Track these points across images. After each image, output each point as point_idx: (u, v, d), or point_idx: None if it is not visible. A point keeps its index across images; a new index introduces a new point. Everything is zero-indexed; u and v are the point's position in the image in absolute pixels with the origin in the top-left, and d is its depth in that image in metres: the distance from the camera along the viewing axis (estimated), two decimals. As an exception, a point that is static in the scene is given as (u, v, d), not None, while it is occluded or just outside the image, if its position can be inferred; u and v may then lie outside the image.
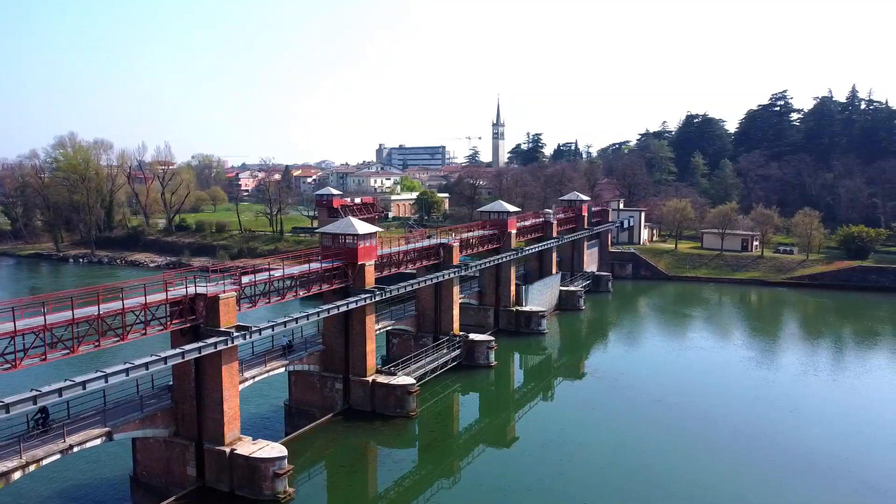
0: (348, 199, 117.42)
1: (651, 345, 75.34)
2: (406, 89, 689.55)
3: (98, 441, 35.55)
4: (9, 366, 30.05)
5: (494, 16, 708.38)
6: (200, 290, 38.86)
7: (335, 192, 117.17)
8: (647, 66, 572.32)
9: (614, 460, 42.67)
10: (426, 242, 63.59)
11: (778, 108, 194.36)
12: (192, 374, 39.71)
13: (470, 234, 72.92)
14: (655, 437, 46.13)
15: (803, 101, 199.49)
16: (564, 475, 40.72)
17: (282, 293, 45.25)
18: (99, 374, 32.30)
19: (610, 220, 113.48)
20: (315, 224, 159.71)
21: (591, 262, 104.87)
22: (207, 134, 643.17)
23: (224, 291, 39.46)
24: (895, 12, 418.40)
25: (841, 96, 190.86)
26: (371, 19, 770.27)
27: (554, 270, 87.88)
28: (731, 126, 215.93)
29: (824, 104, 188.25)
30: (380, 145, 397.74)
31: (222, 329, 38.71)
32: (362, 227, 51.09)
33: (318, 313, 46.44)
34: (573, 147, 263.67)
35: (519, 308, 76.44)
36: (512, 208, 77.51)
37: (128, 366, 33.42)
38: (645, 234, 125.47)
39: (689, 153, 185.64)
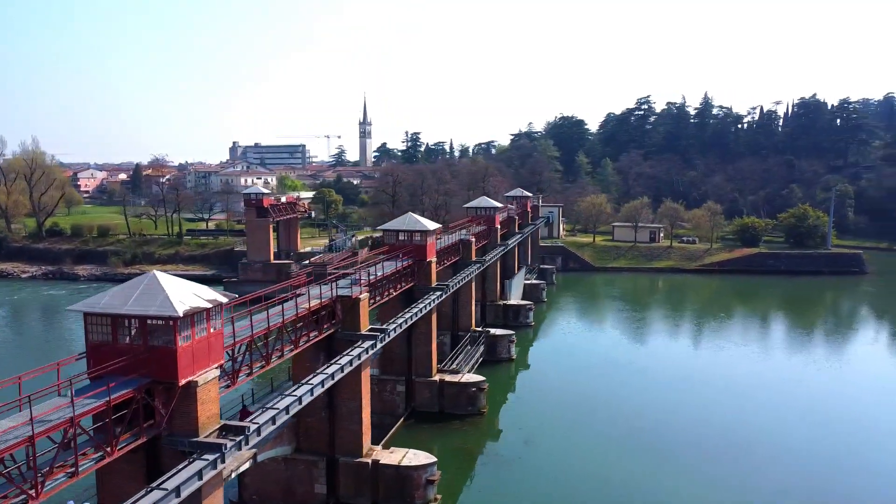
0: (273, 199, 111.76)
1: (633, 330, 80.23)
2: (260, 86, 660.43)
3: (247, 465, 31.87)
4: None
5: (357, 13, 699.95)
6: (343, 292, 36.08)
7: (264, 190, 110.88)
8: (508, 70, 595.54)
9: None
10: (448, 239, 62.73)
11: (642, 112, 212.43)
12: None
13: (469, 230, 72.76)
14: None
15: (662, 107, 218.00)
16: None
17: (381, 292, 43.00)
18: (289, 397, 29.02)
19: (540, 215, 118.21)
20: (208, 226, 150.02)
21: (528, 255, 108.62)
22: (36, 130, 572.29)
23: (361, 293, 36.92)
24: (741, 26, 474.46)
25: (695, 102, 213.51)
26: (226, 11, 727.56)
27: (517, 266, 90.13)
28: (593, 127, 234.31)
29: (681, 109, 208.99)
30: (233, 143, 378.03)
31: (364, 332, 36.24)
32: (429, 223, 49.76)
33: (415, 314, 44.51)
34: (447, 146, 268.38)
35: (506, 302, 77.71)
36: (497, 203, 78.56)
37: (309, 386, 30.39)
38: (560, 228, 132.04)
39: (563, 152, 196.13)
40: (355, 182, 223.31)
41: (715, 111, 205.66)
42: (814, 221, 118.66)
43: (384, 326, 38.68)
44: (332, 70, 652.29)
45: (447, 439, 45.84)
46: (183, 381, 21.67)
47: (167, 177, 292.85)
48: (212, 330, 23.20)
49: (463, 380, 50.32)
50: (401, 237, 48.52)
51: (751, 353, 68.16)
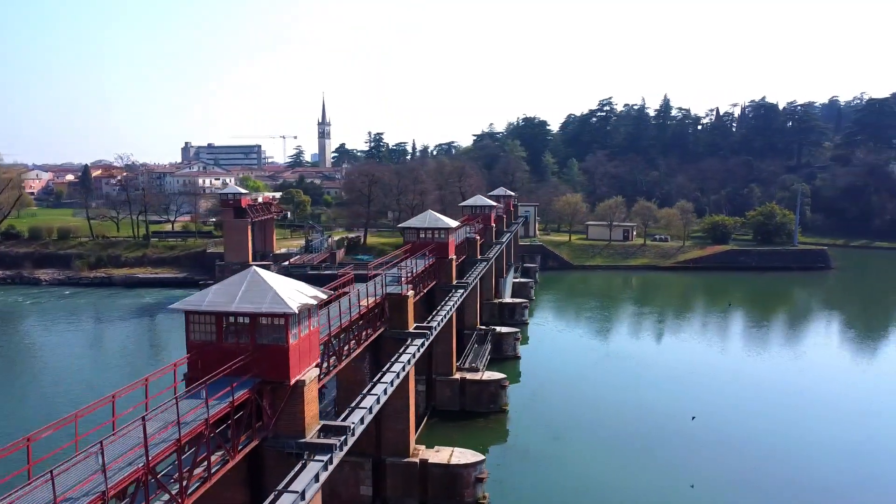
0: (250, 199, 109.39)
1: (625, 327, 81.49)
2: (212, 86, 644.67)
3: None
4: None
5: (316, 14, 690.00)
6: (392, 290, 35.54)
7: (242, 190, 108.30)
8: (469, 71, 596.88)
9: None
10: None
11: (604, 114, 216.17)
12: (367, 379, 35.93)
13: (471, 227, 72.64)
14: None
15: (623, 109, 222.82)
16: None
17: (415, 290, 42.47)
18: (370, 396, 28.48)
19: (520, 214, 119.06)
20: (174, 228, 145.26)
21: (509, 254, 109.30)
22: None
23: (407, 290, 36.43)
24: (697, 30, 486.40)
25: (654, 104, 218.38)
26: (179, 13, 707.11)
27: (506, 265, 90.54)
28: (554, 128, 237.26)
29: (641, 111, 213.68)
30: (186, 144, 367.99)
31: (411, 331, 35.77)
32: (449, 220, 49.49)
33: (448, 311, 44.16)
34: (409, 147, 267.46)
35: (501, 300, 77.90)
36: (493, 202, 78.72)
37: (383, 385, 29.85)
38: (535, 227, 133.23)
39: (528, 152, 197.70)
40: (317, 182, 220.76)
41: (674, 113, 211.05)
42: (781, 219, 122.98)
43: (429, 324, 38.21)
44: (288, 71, 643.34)
45: (473, 437, 45.55)
46: (293, 381, 20.96)
47: (118, 178, 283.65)
48: (312, 328, 22.54)
49: (484, 377, 50.20)
50: (423, 235, 48.08)
51: (753, 346, 70.26)
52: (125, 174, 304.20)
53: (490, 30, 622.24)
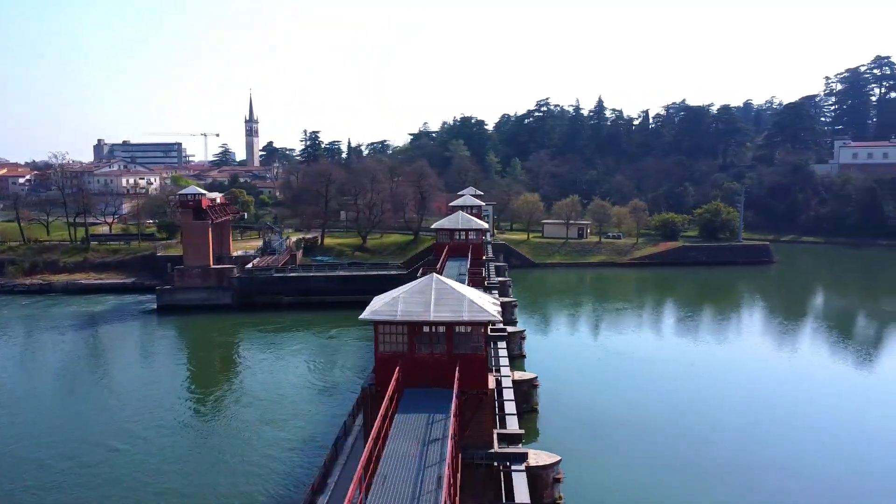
0: (209, 200, 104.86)
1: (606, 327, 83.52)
2: (125, 80, 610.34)
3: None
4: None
5: (239, 9, 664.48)
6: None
7: (201, 190, 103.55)
8: (397, 70, 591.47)
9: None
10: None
11: (541, 114, 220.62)
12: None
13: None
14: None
15: (560, 109, 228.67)
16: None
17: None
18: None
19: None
20: (112, 230, 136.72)
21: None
22: None
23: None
24: (630, 36, 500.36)
25: (589, 105, 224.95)
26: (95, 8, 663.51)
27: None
28: (490, 128, 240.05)
29: (577, 112, 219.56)
30: (99, 141, 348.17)
31: (491, 333, 35.32)
32: (480, 221, 49.27)
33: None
34: (344, 146, 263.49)
35: (491, 300, 78.17)
36: (481, 202, 78.91)
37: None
38: (492, 226, 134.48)
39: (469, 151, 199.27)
40: (249, 182, 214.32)
41: (608, 114, 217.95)
42: (726, 216, 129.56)
43: (507, 328, 37.83)
44: (211, 67, 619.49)
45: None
46: (488, 389, 20.37)
47: (26, 177, 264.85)
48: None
49: (515, 377, 50.16)
50: (457, 236, 47.60)
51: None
52: (35, 173, 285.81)
53: (422, 31, 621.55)
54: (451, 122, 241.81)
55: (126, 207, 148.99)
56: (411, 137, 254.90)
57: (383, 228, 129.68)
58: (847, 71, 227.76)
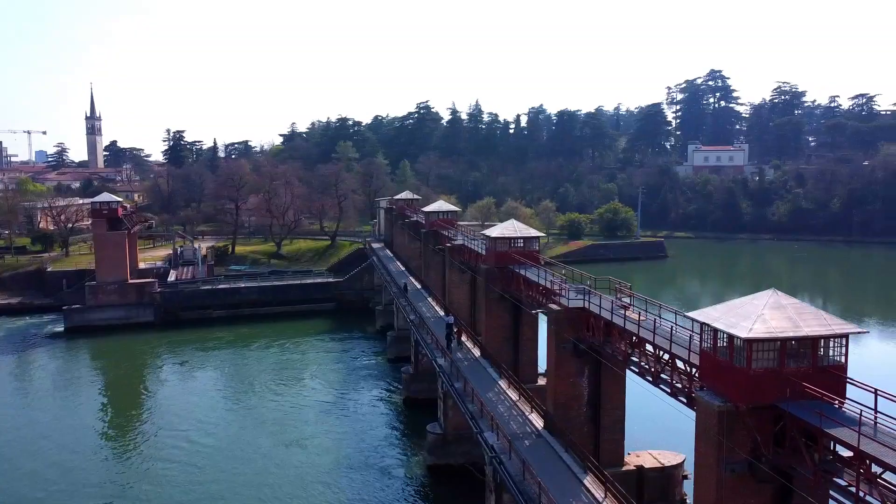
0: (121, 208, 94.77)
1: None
2: None
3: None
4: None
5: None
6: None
7: (115, 198, 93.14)
8: (257, 69, 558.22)
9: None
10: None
11: (420, 116, 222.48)
12: (585, 392, 35.52)
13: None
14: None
15: (442, 112, 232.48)
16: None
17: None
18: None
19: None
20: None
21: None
22: None
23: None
24: (506, 40, 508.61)
25: (465, 108, 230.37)
26: None
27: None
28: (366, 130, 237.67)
29: (455, 115, 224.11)
30: None
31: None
32: (533, 229, 49.56)
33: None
34: (209, 146, 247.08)
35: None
36: (456, 207, 78.61)
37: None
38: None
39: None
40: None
41: (486, 117, 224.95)
42: (624, 215, 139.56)
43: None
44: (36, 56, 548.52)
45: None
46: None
47: None
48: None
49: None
50: (516, 244, 47.41)
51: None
52: None
53: (295, 32, 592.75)
54: (326, 123, 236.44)
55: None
56: (283, 138, 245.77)
57: (295, 234, 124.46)
58: (685, 82, 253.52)
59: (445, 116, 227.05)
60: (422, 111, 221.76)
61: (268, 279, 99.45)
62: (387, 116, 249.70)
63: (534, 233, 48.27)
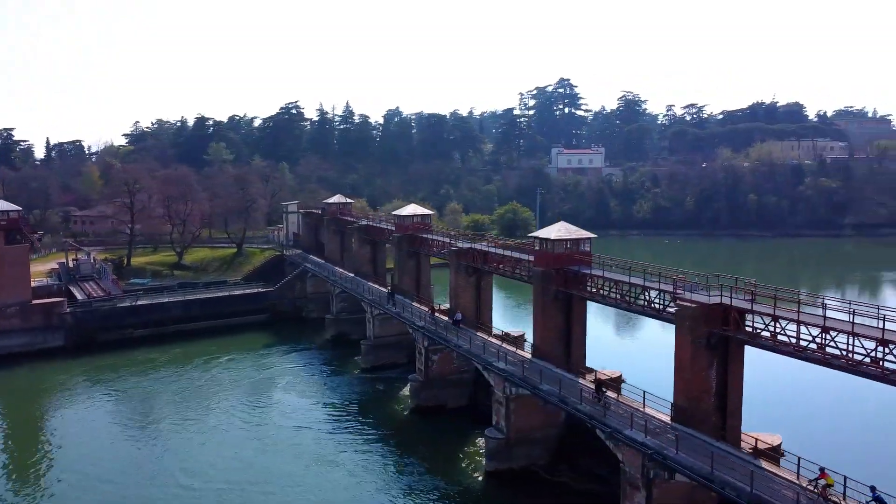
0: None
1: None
2: None
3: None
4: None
5: None
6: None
7: (13, 206, 79.66)
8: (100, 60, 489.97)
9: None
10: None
11: (288, 117, 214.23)
12: (713, 383, 37.18)
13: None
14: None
15: (309, 113, 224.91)
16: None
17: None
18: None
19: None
20: None
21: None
22: None
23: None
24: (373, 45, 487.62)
25: (333, 109, 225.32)
26: None
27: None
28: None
29: (324, 115, 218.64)
30: None
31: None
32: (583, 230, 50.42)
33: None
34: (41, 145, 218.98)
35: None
36: (429, 210, 77.23)
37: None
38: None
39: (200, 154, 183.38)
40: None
41: (356, 119, 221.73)
42: (523, 215, 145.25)
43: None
44: None
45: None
46: None
47: None
48: None
49: (615, 376, 52.56)
50: (568, 246, 48.01)
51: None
52: None
53: (137, 26, 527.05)
54: (181, 123, 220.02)
55: None
56: (127, 138, 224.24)
57: (195, 243, 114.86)
58: (536, 88, 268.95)
59: (313, 117, 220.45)
60: (291, 111, 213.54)
61: (195, 292, 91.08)
62: (244, 116, 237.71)
63: (587, 234, 49.07)
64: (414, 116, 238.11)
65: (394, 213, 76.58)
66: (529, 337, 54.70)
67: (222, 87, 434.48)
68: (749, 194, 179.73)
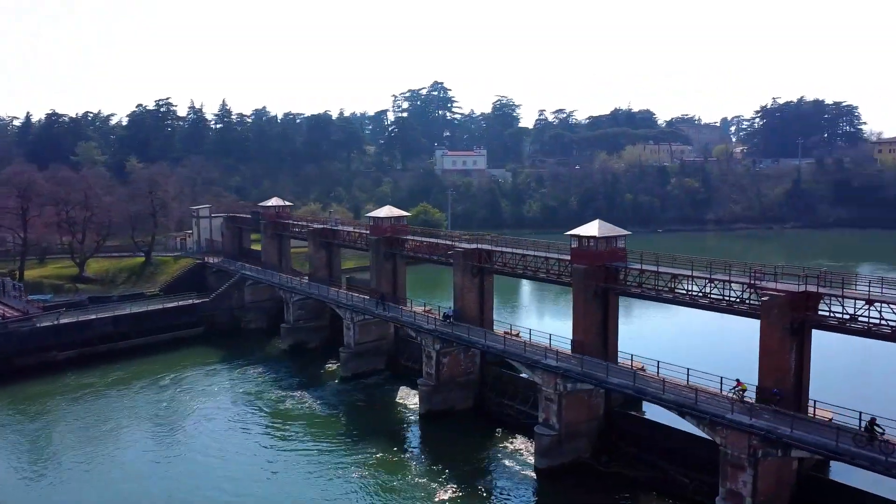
0: None
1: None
2: None
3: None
4: None
5: None
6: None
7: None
8: None
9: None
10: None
11: (160, 115, 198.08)
12: (793, 365, 40.13)
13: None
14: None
15: (181, 111, 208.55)
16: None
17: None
18: None
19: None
20: None
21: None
22: None
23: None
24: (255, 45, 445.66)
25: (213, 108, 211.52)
26: None
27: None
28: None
29: (199, 114, 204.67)
30: None
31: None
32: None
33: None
34: None
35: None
36: (405, 212, 75.34)
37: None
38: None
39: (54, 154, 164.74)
40: None
41: (233, 118, 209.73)
42: (435, 216, 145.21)
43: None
44: None
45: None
46: None
47: None
48: None
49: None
50: (600, 245, 49.15)
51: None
52: None
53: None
54: (25, 119, 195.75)
55: None
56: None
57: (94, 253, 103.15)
58: (409, 91, 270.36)
59: (185, 115, 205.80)
60: (161, 109, 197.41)
61: (123, 307, 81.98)
62: (99, 113, 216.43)
63: (622, 231, 50.70)
64: (298, 117, 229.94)
65: (368, 214, 74.15)
66: (528, 337, 55.07)
67: (72, 83, 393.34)
68: (626, 194, 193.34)
